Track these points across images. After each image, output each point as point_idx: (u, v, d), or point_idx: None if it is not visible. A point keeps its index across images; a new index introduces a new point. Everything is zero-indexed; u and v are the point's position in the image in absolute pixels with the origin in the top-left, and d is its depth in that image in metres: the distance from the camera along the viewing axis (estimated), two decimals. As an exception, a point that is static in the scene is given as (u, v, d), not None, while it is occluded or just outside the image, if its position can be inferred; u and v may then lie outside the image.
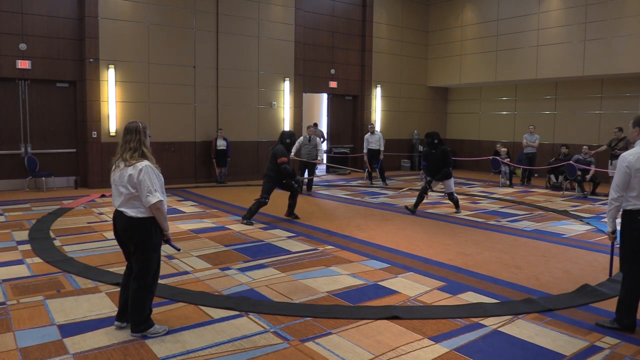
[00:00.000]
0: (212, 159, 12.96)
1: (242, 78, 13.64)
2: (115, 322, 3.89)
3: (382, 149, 13.00)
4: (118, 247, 6.32)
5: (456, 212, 9.12)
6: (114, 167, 3.78)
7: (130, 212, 3.68)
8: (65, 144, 11.89)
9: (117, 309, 4.27)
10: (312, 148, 11.35)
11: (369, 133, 13.16)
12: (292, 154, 11.01)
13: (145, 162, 3.66)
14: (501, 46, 15.56)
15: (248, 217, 7.95)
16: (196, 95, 12.98)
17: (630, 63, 12.61)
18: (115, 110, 11.82)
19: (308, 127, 11.81)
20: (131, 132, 3.70)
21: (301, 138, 11.52)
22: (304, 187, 11.43)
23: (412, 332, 3.89)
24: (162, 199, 3.66)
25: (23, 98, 11.31)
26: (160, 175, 3.76)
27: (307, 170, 11.62)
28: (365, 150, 13.16)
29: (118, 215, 3.77)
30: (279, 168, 7.99)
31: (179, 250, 4.15)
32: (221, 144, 12.73)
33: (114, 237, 6.97)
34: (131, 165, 3.65)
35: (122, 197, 3.70)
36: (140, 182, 3.61)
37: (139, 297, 3.71)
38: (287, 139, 8.15)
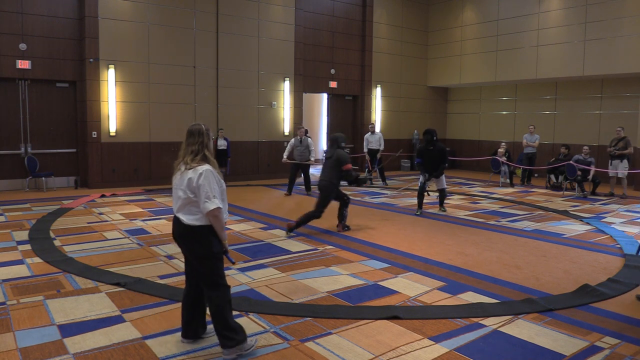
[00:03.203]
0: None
1: (242, 78, 13.64)
2: (182, 339, 3.70)
3: (381, 148, 13.03)
4: (118, 247, 6.39)
5: (442, 210, 9.18)
6: (175, 170, 3.55)
7: (186, 219, 3.42)
8: (65, 144, 11.89)
9: (116, 309, 4.28)
10: (305, 149, 11.00)
11: (369, 133, 13.18)
12: (285, 156, 11.04)
13: (206, 166, 3.42)
14: (501, 46, 15.56)
15: (294, 227, 7.27)
16: (196, 95, 12.98)
17: (630, 63, 12.61)
18: (115, 110, 11.82)
19: (299, 128, 11.38)
20: (194, 134, 3.48)
21: (292, 140, 11.16)
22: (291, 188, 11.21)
23: (412, 332, 3.89)
24: (221, 206, 3.40)
25: (23, 98, 11.31)
26: (222, 181, 3.53)
27: (301, 172, 11.26)
28: (365, 150, 13.18)
29: (175, 222, 3.52)
30: (340, 175, 7.32)
31: (233, 263, 3.81)
32: (222, 144, 12.73)
33: (114, 237, 6.97)
34: (192, 169, 3.41)
35: (179, 201, 3.45)
36: (200, 186, 3.36)
37: (218, 309, 3.45)
38: (343, 142, 7.60)
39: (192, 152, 3.45)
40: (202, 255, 3.44)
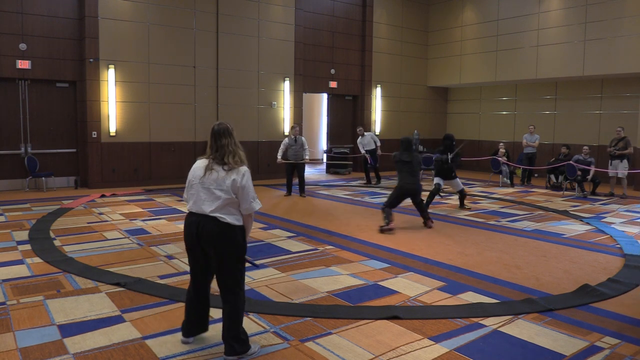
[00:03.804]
0: None
1: (242, 78, 13.64)
2: (183, 338, 3.66)
3: (378, 144, 13.15)
4: (118, 247, 6.38)
5: (467, 208, 9.33)
6: (204, 169, 3.47)
7: (228, 218, 3.39)
8: (65, 144, 11.89)
9: (116, 309, 4.28)
10: (299, 148, 10.79)
11: (360, 137, 13.18)
12: (279, 157, 10.84)
13: (246, 167, 3.48)
14: (501, 46, 15.56)
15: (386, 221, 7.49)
16: (196, 95, 12.98)
17: (630, 63, 12.61)
18: (115, 110, 11.82)
19: (293, 128, 11.12)
20: (224, 134, 3.50)
21: (286, 139, 10.96)
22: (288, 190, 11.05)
23: (412, 332, 3.89)
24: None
25: (23, 98, 11.31)
26: None
27: (296, 172, 10.94)
28: (363, 151, 13.16)
29: (208, 221, 3.40)
30: (417, 176, 7.75)
31: (257, 265, 3.92)
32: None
33: (114, 237, 6.95)
34: (233, 170, 3.42)
35: (219, 201, 3.38)
36: (244, 187, 3.41)
37: (238, 311, 3.45)
38: (414, 145, 7.84)
39: (231, 152, 3.45)
40: (236, 256, 3.43)
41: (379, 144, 13.20)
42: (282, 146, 10.89)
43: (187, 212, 3.54)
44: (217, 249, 3.40)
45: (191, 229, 3.46)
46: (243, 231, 3.48)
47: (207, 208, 3.41)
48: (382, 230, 7.41)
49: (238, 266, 3.46)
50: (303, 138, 10.94)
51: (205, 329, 3.71)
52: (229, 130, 3.51)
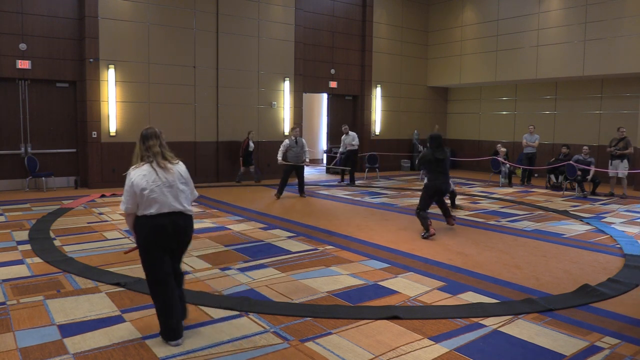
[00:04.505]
0: (240, 157, 13.01)
1: (242, 78, 13.64)
2: (173, 342, 3.61)
3: (355, 143, 13.31)
4: (118, 247, 6.38)
5: (459, 209, 9.29)
6: (155, 170, 3.60)
7: (190, 209, 3.73)
8: (65, 144, 11.89)
9: (116, 309, 4.28)
10: (300, 150, 10.55)
11: (344, 135, 13.30)
12: (280, 158, 10.60)
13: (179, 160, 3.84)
14: (501, 46, 15.56)
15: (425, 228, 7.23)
16: (196, 95, 12.98)
17: (630, 63, 12.61)
18: (115, 110, 11.82)
19: (293, 129, 10.88)
20: (156, 136, 3.71)
21: (287, 141, 10.65)
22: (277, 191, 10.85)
23: (412, 332, 3.89)
24: None
25: (23, 98, 11.31)
26: None
27: (296, 174, 10.77)
28: (342, 149, 13.36)
29: (180, 217, 3.62)
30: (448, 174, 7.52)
31: None
32: (252, 146, 12.91)
33: (114, 237, 6.93)
34: (177, 163, 3.75)
35: (184, 194, 3.68)
36: (189, 177, 3.80)
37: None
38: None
39: (166, 150, 3.72)
40: (189, 241, 3.82)
41: (357, 143, 13.39)
42: (282, 147, 10.65)
43: (149, 215, 3.55)
44: (185, 239, 3.72)
45: (166, 229, 3.57)
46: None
47: (179, 204, 3.64)
48: (426, 237, 7.08)
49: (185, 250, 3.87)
50: (303, 140, 10.84)
51: (185, 315, 3.90)
52: (156, 133, 3.73)
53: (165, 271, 3.64)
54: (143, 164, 3.63)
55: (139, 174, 3.59)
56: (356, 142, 13.40)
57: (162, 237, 3.58)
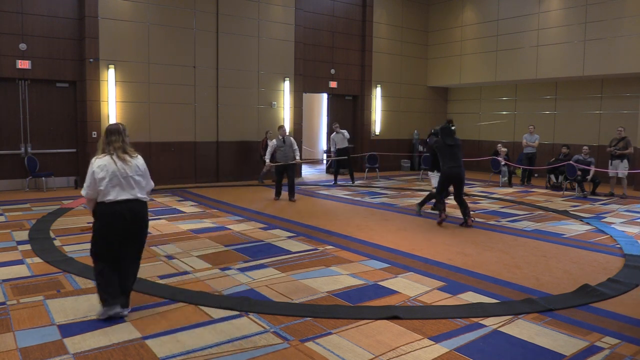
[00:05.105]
0: (261, 157, 12.80)
1: (242, 78, 13.64)
2: (105, 308, 4.01)
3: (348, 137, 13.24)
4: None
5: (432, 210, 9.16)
6: (114, 161, 4.02)
7: (145, 198, 4.15)
8: (65, 144, 11.89)
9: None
10: (288, 148, 10.17)
11: (334, 133, 13.19)
12: (267, 159, 10.33)
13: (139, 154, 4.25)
14: (501, 46, 15.56)
15: (440, 208, 8.01)
16: (196, 95, 12.98)
17: (630, 63, 12.61)
18: (115, 110, 11.82)
19: (280, 127, 10.52)
20: (119, 131, 4.13)
21: (274, 141, 10.32)
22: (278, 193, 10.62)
23: (412, 332, 3.89)
24: None
25: (23, 98, 11.31)
26: None
27: (286, 174, 10.32)
28: (333, 148, 13.22)
29: (135, 204, 4.05)
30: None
31: None
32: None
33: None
34: (135, 157, 4.15)
35: (138, 185, 4.10)
36: (146, 170, 4.21)
37: (138, 269, 4.25)
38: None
39: (127, 144, 4.13)
40: (147, 226, 4.20)
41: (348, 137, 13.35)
42: (269, 148, 10.32)
43: (108, 202, 3.97)
44: (140, 224, 4.11)
45: (123, 214, 3.98)
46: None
47: (134, 192, 4.05)
48: (439, 223, 7.89)
49: (146, 234, 4.24)
50: (292, 138, 10.40)
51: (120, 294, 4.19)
52: (119, 130, 4.14)
53: (113, 249, 4.06)
54: (104, 156, 4.06)
55: (99, 164, 4.01)
56: (348, 136, 13.22)
57: (117, 221, 3.98)
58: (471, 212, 8.23)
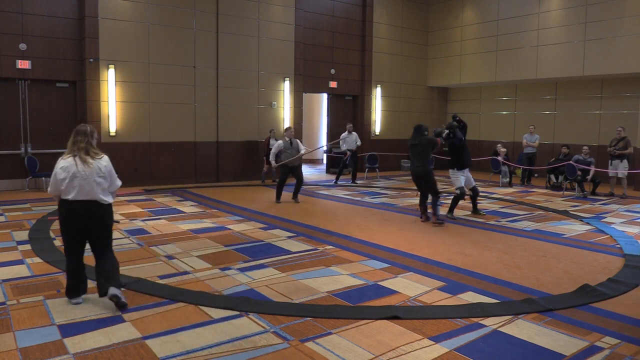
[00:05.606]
0: (264, 156, 12.96)
1: (242, 78, 13.64)
2: (73, 300, 4.35)
3: (359, 143, 13.39)
4: (118, 247, 6.36)
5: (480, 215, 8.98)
6: (76, 162, 4.20)
7: (107, 199, 4.30)
8: (65, 144, 11.79)
9: (116, 309, 4.27)
10: (295, 151, 10.00)
11: (347, 132, 13.31)
12: (273, 161, 10.14)
13: (106, 156, 4.41)
14: (501, 46, 15.55)
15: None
16: (196, 95, 12.98)
17: (630, 63, 12.60)
18: (115, 110, 11.82)
19: (287, 129, 10.27)
20: (86, 133, 4.32)
21: (280, 142, 10.11)
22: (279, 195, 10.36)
23: (412, 332, 3.89)
24: None
25: (23, 98, 11.31)
26: None
27: (294, 175, 10.17)
28: (343, 148, 13.37)
29: (93, 205, 4.22)
30: (430, 159, 8.27)
31: (118, 222, 4.72)
32: (273, 144, 12.75)
33: (114, 237, 6.95)
34: (99, 159, 4.31)
35: (99, 187, 4.24)
36: (111, 171, 4.37)
37: (116, 264, 4.39)
38: (425, 130, 8.24)
39: (91, 146, 4.30)
40: (110, 225, 4.39)
41: (359, 143, 13.43)
42: (274, 149, 10.10)
43: (68, 200, 4.18)
44: (101, 225, 4.28)
45: (81, 212, 4.18)
46: (112, 206, 4.41)
47: (94, 194, 4.20)
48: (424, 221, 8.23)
49: (111, 231, 4.44)
50: (298, 140, 10.26)
51: (86, 290, 4.48)
52: (86, 131, 4.32)
53: (76, 247, 4.31)
54: (69, 156, 4.25)
55: (62, 165, 4.22)
56: (359, 142, 13.43)
57: (75, 219, 4.20)
58: (429, 212, 8.27)
